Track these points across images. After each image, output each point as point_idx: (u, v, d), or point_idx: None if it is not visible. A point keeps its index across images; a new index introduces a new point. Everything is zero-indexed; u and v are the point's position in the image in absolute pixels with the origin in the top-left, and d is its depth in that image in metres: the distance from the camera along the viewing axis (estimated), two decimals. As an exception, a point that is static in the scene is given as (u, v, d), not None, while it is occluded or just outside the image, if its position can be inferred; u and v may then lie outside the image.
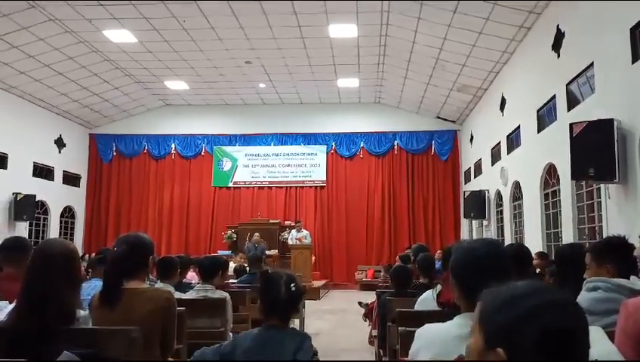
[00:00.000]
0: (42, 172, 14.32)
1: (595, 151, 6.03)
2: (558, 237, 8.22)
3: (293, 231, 13.49)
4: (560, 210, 7.98)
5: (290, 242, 13.31)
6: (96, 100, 14.68)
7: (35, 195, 13.12)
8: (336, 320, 9.05)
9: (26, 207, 12.83)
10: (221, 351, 2.31)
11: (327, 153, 16.05)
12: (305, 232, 13.55)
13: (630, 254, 2.62)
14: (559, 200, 8.00)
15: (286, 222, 14.68)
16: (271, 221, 14.45)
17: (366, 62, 12.63)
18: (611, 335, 1.99)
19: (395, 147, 15.75)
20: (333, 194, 15.89)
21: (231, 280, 6.35)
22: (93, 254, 9.84)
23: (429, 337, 1.54)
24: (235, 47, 11.77)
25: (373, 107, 15.85)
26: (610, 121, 5.99)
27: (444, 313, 1.82)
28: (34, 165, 13.93)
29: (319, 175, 16.00)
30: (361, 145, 15.89)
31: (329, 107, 15.96)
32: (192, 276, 6.29)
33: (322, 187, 15.98)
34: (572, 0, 7.45)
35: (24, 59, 11.40)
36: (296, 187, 16.09)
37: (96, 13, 10.03)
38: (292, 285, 2.27)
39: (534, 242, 8.65)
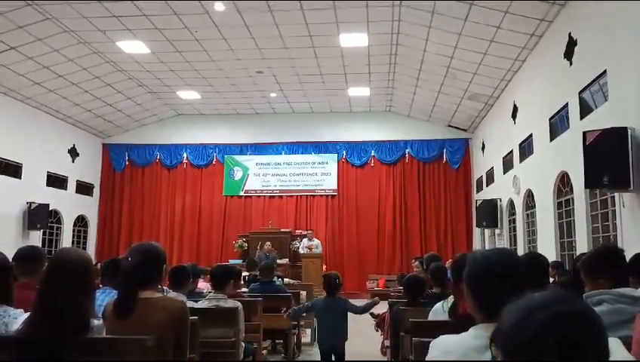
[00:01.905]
0: (56, 181, 14.46)
1: (609, 159, 5.97)
2: (572, 247, 8.12)
3: (304, 240, 13.46)
4: (574, 219, 7.89)
5: (300, 251, 13.28)
6: (110, 110, 14.83)
7: (48, 204, 13.24)
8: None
9: (40, 216, 12.95)
10: (306, 307, 5.28)
11: (338, 162, 16.04)
12: (316, 241, 13.52)
13: (622, 262, 2.56)
14: (573, 209, 7.92)
15: (297, 231, 14.65)
16: (282, 230, 14.43)
17: (377, 71, 12.65)
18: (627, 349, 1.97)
19: (406, 156, 15.71)
20: (344, 203, 15.86)
21: (243, 289, 6.35)
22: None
23: (444, 348, 1.53)
24: (247, 58, 11.85)
25: (384, 116, 15.85)
26: (624, 130, 5.93)
27: (458, 324, 1.81)
28: (48, 175, 14.08)
29: (330, 184, 15.99)
30: (372, 153, 15.87)
31: (340, 116, 15.98)
32: (204, 286, 6.28)
33: (333, 196, 15.96)
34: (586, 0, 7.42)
35: (39, 70, 11.56)
36: (307, 196, 16.08)
37: (110, 25, 10.16)
38: (336, 280, 5.06)
39: (548, 251, 8.56)
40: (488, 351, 1.39)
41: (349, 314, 5.16)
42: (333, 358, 5.08)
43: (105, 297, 3.32)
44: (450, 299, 3.35)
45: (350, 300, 5.32)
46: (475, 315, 1.55)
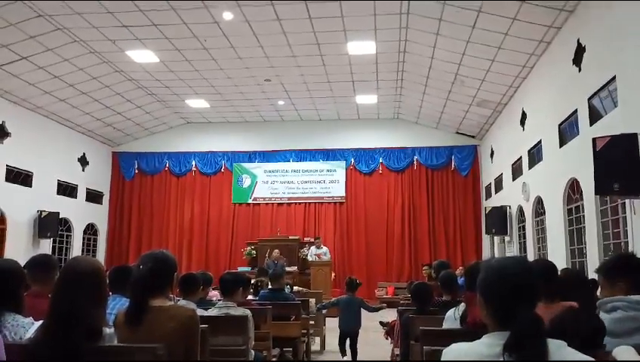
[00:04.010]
0: (66, 190, 14.56)
1: (619, 165, 5.93)
2: (582, 254, 8.07)
3: (313, 248, 13.44)
4: (584, 226, 7.83)
5: (309, 258, 13.26)
6: (119, 119, 14.95)
7: (58, 213, 13.33)
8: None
9: (50, 224, 13.03)
10: (332, 302, 7.35)
11: (346, 169, 16.05)
12: (324, 249, 13.49)
13: (639, 268, 2.57)
14: (583, 215, 7.87)
15: (305, 239, 14.63)
16: (290, 237, 14.42)
17: (384, 78, 12.66)
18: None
19: (415, 163, 15.68)
20: (352, 210, 15.84)
21: (250, 297, 6.34)
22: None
23: (457, 356, 1.52)
24: (255, 66, 11.92)
25: (391, 123, 15.85)
26: (634, 135, 5.90)
27: (470, 332, 1.80)
28: (58, 183, 14.19)
29: (338, 191, 15.98)
30: (380, 160, 15.86)
31: (348, 123, 16.00)
32: (215, 294, 6.26)
33: (341, 203, 15.95)
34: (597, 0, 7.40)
35: (49, 79, 11.68)
36: (315, 203, 16.08)
37: (120, 35, 10.26)
38: (357, 281, 7.16)
39: (558, 258, 8.49)
40: (501, 359, 1.39)
41: (362, 319, 6.78)
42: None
43: (115, 305, 3.32)
44: (462, 306, 3.34)
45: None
46: (488, 323, 1.54)
